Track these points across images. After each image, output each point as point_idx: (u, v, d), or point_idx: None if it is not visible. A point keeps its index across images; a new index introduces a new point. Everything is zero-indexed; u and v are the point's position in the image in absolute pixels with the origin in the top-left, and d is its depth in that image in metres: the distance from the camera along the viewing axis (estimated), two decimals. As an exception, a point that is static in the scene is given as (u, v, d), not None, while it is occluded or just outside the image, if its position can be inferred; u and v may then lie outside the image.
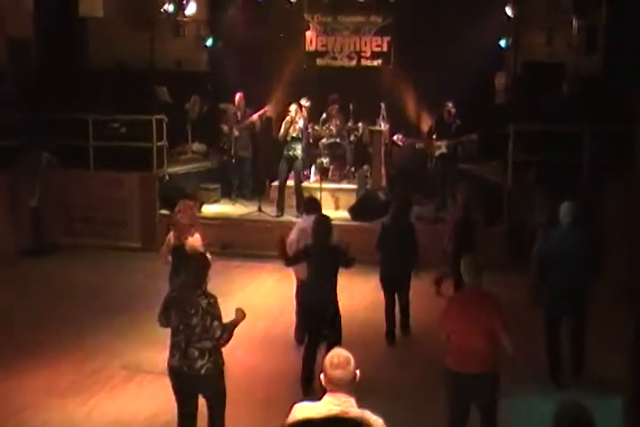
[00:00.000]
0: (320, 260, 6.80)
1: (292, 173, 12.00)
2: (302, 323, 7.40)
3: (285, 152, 11.84)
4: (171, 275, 7.01)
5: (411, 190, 10.25)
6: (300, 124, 11.76)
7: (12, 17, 11.58)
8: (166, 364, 5.43)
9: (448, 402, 5.55)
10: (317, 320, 6.83)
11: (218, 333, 5.22)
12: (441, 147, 11.79)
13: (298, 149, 11.75)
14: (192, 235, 7.07)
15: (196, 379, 5.27)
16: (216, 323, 5.23)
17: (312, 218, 7.38)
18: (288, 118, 11.75)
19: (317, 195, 11.59)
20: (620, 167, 9.75)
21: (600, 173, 9.86)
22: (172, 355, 5.33)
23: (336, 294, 6.89)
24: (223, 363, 5.41)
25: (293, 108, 11.82)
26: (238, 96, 12.59)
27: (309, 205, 8.15)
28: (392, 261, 8.01)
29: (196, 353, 5.21)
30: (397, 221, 8.23)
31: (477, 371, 5.26)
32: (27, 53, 11.96)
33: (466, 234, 8.24)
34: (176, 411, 5.48)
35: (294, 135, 11.70)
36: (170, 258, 7.12)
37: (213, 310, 5.24)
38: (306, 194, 11.41)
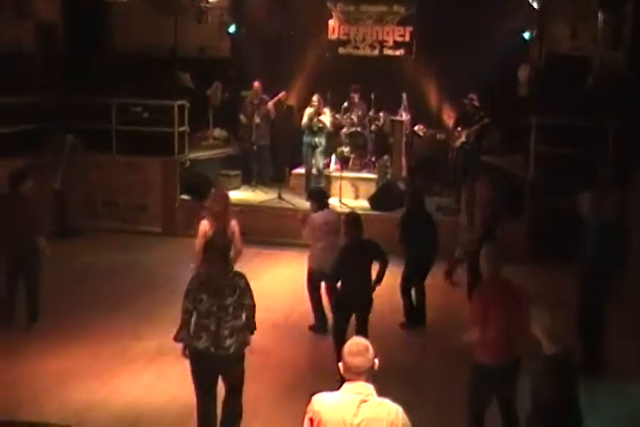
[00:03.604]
0: (358, 253, 7.03)
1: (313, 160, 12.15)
2: (340, 314, 7.39)
3: (307, 139, 11.98)
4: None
5: (426, 182, 10.22)
6: (327, 114, 11.96)
7: (40, 1, 11.63)
8: (186, 347, 5.48)
9: (471, 394, 5.59)
10: (360, 311, 7.05)
11: (250, 312, 5.43)
12: (461, 136, 11.80)
13: (322, 139, 11.94)
14: (228, 222, 7.15)
15: (223, 359, 5.34)
16: (249, 302, 5.43)
17: (327, 212, 7.94)
18: (313, 110, 11.90)
19: (337, 183, 11.68)
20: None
21: (624, 167, 9.80)
22: (197, 337, 5.34)
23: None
24: (248, 343, 5.53)
25: (316, 98, 11.90)
26: (256, 84, 12.67)
27: (319, 199, 8.10)
28: (419, 250, 8.20)
29: (226, 332, 5.31)
30: (417, 212, 8.41)
31: (510, 360, 5.33)
32: (54, 37, 12.03)
33: (490, 227, 8.25)
34: (195, 394, 5.54)
35: (320, 126, 11.95)
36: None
37: (248, 289, 5.44)
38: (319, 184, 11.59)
